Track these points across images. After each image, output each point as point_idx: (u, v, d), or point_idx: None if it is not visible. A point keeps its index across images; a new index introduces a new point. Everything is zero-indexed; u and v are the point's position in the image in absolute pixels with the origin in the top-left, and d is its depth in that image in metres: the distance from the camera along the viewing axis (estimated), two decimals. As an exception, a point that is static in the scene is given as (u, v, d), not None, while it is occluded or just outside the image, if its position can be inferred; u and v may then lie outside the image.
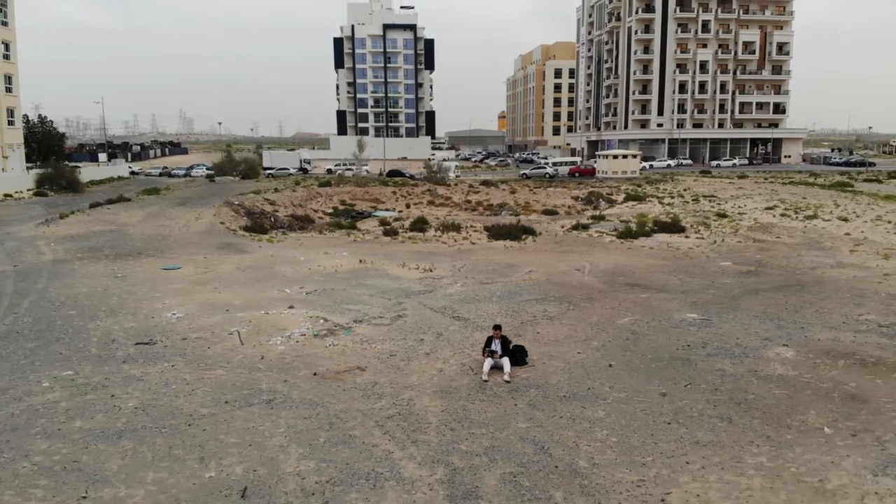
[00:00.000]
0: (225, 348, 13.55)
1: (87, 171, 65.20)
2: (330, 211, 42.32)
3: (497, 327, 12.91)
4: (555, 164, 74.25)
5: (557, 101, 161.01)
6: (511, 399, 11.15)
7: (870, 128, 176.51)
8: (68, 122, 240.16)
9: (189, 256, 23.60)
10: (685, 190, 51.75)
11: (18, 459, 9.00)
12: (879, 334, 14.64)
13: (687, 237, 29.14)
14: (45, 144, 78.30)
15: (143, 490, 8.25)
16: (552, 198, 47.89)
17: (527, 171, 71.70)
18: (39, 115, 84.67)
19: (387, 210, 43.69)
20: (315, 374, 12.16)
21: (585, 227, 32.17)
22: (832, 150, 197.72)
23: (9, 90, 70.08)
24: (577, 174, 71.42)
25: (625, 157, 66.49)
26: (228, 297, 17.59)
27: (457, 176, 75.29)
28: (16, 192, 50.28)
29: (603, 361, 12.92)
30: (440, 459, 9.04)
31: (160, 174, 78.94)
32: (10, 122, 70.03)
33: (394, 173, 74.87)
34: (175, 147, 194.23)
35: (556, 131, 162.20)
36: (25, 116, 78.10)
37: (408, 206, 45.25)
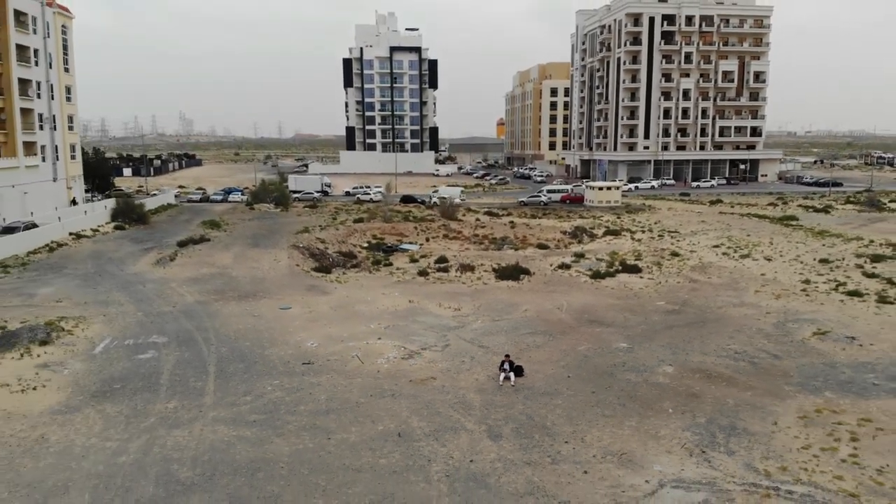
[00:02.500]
0: (354, 366, 23.97)
1: (144, 200, 75.09)
2: (366, 245, 52.66)
3: (507, 355, 23.37)
4: (549, 191, 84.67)
5: (553, 119, 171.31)
6: (514, 394, 21.56)
7: (874, 127, 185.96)
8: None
9: (290, 297, 34.02)
10: (656, 223, 62.23)
11: (284, 425, 19.35)
12: (731, 359, 25.07)
13: (641, 277, 39.57)
14: (98, 174, 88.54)
15: (356, 434, 18.63)
16: (545, 232, 58.28)
17: (524, 199, 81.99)
18: (94, 148, 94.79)
19: (411, 243, 54.00)
20: (410, 381, 22.57)
21: (568, 267, 42.56)
22: (815, 161, 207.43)
23: (71, 128, 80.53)
24: (568, 201, 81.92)
25: (609, 188, 76.99)
26: (338, 331, 28.02)
27: (463, 200, 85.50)
28: (100, 227, 60.43)
29: (565, 374, 23.35)
30: (482, 421, 19.43)
31: (200, 199, 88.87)
32: (73, 157, 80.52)
33: (407, 199, 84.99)
34: (191, 159, 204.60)
35: (553, 146, 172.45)
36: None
37: (427, 239, 55.58)
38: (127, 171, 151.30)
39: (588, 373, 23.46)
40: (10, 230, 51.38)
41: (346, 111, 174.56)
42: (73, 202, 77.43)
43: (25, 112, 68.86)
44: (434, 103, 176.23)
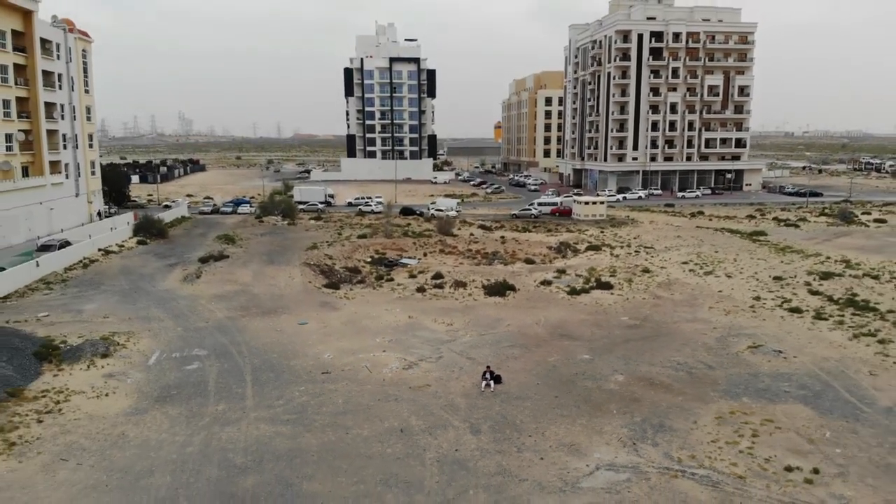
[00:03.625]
0: (364, 375, 29.35)
1: (161, 215, 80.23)
2: (369, 259, 57.99)
3: (488, 366, 28.77)
4: (540, 203, 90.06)
5: (548, 127, 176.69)
6: (493, 398, 26.95)
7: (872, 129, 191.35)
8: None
9: (306, 313, 39.41)
10: (635, 238, 67.68)
11: (312, 423, 24.72)
12: (672, 369, 30.47)
13: (612, 293, 44.97)
14: (114, 187, 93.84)
15: (367, 430, 24.00)
16: (532, 247, 63.67)
17: (516, 213, 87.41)
18: (111, 162, 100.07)
19: (410, 258, 59.33)
20: (410, 387, 27.96)
21: (549, 283, 47.95)
22: (803, 168, 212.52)
23: (90, 146, 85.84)
24: (557, 214, 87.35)
25: (594, 202, 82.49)
26: (349, 345, 33.40)
27: (458, 212, 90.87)
28: (125, 242, 65.70)
29: (535, 382, 28.75)
30: (465, 420, 24.83)
31: (211, 211, 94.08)
32: (93, 173, 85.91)
33: (407, 211, 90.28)
34: (195, 164, 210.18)
35: (547, 154, 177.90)
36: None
37: (425, 254, 60.93)
38: (134, 178, 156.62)
39: (554, 380, 28.87)
40: (46, 248, 56.64)
41: (347, 119, 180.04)
42: (100, 215, 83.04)
43: (51, 133, 74.24)
44: (432, 111, 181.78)
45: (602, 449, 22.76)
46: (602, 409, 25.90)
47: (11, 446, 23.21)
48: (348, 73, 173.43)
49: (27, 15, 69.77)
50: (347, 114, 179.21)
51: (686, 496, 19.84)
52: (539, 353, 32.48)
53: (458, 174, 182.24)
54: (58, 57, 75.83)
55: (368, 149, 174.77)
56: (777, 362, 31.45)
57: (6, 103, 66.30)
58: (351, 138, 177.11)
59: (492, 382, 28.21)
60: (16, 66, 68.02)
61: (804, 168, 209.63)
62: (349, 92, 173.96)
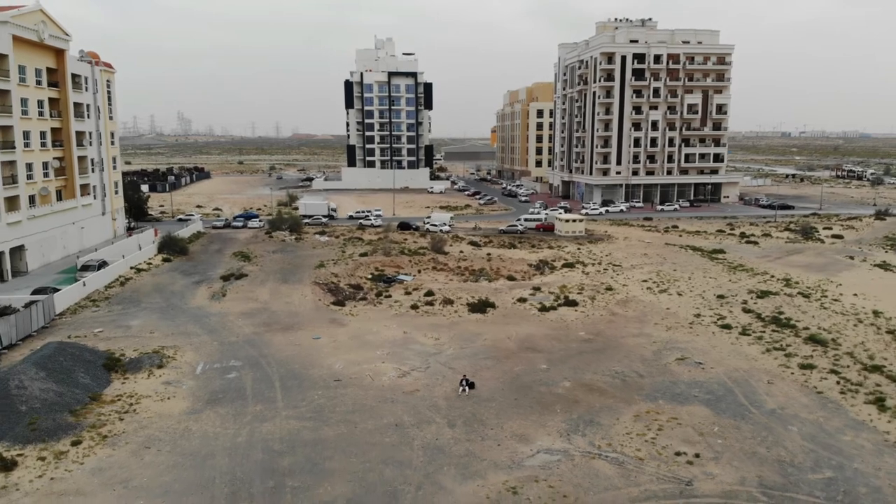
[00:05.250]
0: (367, 382, 37.41)
1: (180, 232, 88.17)
2: (370, 276, 66.00)
3: (464, 375, 36.88)
4: (526, 219, 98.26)
5: (539, 138, 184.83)
6: (467, 400, 35.05)
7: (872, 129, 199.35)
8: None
9: (318, 328, 47.46)
10: (607, 255, 75.81)
11: (328, 419, 32.77)
12: (610, 377, 38.54)
13: (576, 310, 53.02)
14: (134, 203, 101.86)
15: (371, 425, 32.09)
16: (515, 264, 71.75)
17: (504, 228, 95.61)
18: (131, 179, 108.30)
19: (406, 275, 67.36)
20: (403, 392, 36.04)
21: (524, 301, 56.02)
22: (787, 176, 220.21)
23: (114, 167, 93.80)
24: (541, 229, 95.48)
25: (574, 220, 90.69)
26: (355, 357, 41.46)
27: (451, 227, 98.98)
28: (151, 260, 73.68)
29: (501, 387, 36.84)
30: (445, 417, 32.93)
31: (224, 226, 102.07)
32: (116, 192, 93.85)
33: (404, 226, 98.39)
34: (200, 172, 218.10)
35: (539, 163, 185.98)
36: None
37: (419, 271, 68.96)
38: (144, 187, 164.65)
39: (516, 386, 36.94)
40: (87, 268, 64.56)
41: (347, 130, 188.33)
42: (130, 230, 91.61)
43: (81, 159, 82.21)
44: (429, 123, 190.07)
45: (544, 438, 30.84)
46: (549, 409, 33.97)
47: (104, 438, 31.24)
48: (349, 86, 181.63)
49: (60, 53, 77.72)
50: (348, 125, 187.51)
51: (597, 472, 27.92)
52: (507, 364, 40.55)
53: (453, 182, 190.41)
54: (86, 89, 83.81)
55: (368, 158, 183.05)
56: (696, 372, 39.56)
57: (43, 135, 74.20)
58: (351, 148, 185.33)
59: (467, 388, 36.26)
60: (50, 99, 75.89)
61: (787, 177, 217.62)
62: (350, 104, 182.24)
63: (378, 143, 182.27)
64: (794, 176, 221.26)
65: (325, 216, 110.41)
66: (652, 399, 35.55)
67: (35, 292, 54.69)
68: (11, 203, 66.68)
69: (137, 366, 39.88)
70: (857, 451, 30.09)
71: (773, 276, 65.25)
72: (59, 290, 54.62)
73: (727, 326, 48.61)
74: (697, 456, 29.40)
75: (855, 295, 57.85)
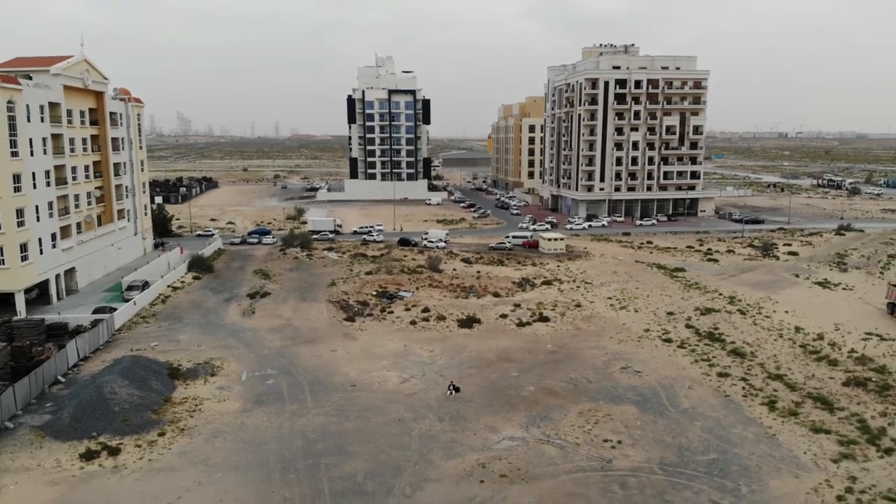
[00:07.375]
0: (376, 387, 48.22)
1: (204, 251, 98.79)
2: (374, 293, 76.78)
3: (451, 382, 47.74)
4: (514, 237, 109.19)
5: (532, 152, 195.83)
6: (455, 401, 45.89)
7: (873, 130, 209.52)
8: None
9: (335, 342, 58.24)
10: (582, 273, 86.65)
11: (348, 415, 43.59)
12: (565, 382, 49.36)
13: (548, 325, 63.78)
14: (159, 223, 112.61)
15: (380, 420, 42.89)
16: (501, 282, 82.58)
17: (493, 245, 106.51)
18: (158, 203, 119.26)
19: (406, 291, 78.16)
20: (405, 395, 46.86)
21: (506, 316, 66.80)
22: (768, 186, 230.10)
23: (144, 192, 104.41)
24: (527, 246, 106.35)
25: (555, 239, 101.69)
26: (366, 366, 52.26)
27: (447, 242, 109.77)
28: (184, 278, 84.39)
29: (480, 391, 47.68)
30: (436, 414, 43.78)
31: (240, 242, 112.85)
32: (145, 214, 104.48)
33: (404, 242, 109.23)
34: (209, 182, 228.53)
35: (531, 175, 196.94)
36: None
37: (417, 288, 79.76)
38: (158, 199, 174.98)
39: (492, 390, 47.74)
40: (132, 288, 75.25)
41: (349, 144, 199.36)
42: (162, 247, 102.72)
43: (117, 187, 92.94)
44: (427, 137, 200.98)
45: (508, 429, 41.64)
46: (515, 408, 44.77)
47: (182, 431, 42.01)
48: (351, 102, 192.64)
49: (99, 95, 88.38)
50: (350, 139, 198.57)
51: (544, 453, 38.74)
52: (486, 372, 51.35)
53: (450, 193, 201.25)
54: (121, 124, 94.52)
55: (369, 171, 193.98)
56: (634, 379, 50.37)
57: (87, 168, 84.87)
58: (353, 161, 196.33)
59: (454, 391, 47.05)
60: (91, 136, 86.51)
61: (769, 187, 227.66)
62: (352, 119, 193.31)
63: (379, 157, 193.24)
64: (775, 185, 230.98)
65: (331, 231, 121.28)
66: (594, 400, 46.36)
67: (96, 311, 65.40)
68: (64, 231, 77.35)
69: (194, 374, 50.67)
70: (741, 440, 40.81)
71: (721, 294, 75.97)
72: (116, 308, 65.34)
73: (669, 340, 59.40)
74: (619, 442, 40.20)
75: (786, 312, 68.49)
